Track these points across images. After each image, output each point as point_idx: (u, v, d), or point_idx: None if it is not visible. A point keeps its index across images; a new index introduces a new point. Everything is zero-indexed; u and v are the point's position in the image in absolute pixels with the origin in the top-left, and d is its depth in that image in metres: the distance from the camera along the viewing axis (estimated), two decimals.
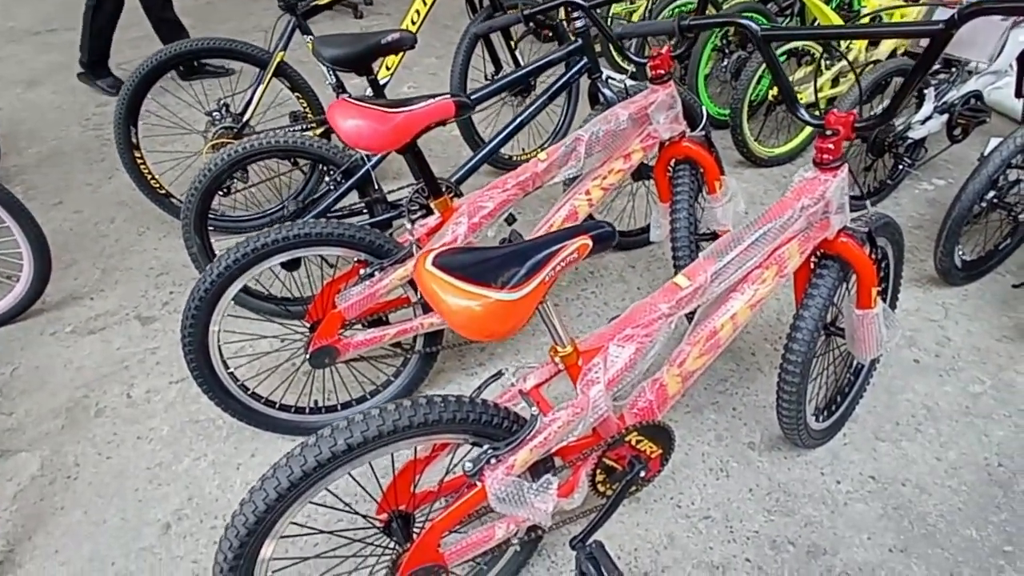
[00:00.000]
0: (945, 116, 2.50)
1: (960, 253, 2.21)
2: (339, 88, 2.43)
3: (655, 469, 1.39)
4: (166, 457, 1.77)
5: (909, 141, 2.54)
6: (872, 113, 1.25)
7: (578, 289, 2.33)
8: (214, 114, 2.48)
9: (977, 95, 2.49)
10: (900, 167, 2.62)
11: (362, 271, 1.60)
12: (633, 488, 1.38)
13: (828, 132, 1.30)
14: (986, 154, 2.03)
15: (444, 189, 1.74)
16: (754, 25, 1.33)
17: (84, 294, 2.37)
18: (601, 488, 1.33)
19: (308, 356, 1.61)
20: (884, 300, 1.79)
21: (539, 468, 1.23)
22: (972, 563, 1.52)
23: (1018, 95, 2.62)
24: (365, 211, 2.06)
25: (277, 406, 1.72)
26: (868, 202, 1.52)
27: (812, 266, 1.51)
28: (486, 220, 1.60)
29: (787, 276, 1.38)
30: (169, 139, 3.02)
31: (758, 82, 2.81)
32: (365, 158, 1.99)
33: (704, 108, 1.97)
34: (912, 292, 2.30)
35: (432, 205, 1.66)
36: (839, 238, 1.43)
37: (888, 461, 1.75)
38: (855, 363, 1.81)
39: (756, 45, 1.36)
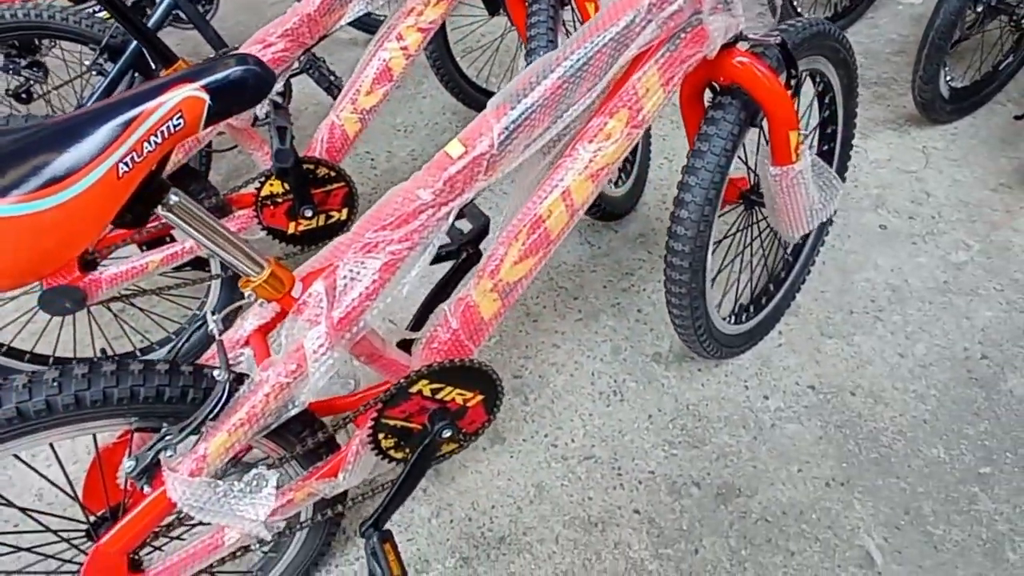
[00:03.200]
0: None
1: (947, 78, 1.69)
2: None
3: (479, 420, 0.99)
4: None
5: None
6: None
7: None
8: None
9: None
10: None
11: None
12: (453, 447, 1.00)
13: None
14: None
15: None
16: None
17: None
18: (394, 454, 0.95)
19: (39, 300, 1.20)
20: (831, 151, 1.32)
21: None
22: (935, 494, 1.15)
23: None
24: None
25: (26, 358, 1.34)
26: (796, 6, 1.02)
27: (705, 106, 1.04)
28: None
29: (646, 124, 0.91)
30: None
31: None
32: None
33: None
34: (884, 137, 1.80)
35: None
36: (733, 59, 0.95)
37: (835, 363, 1.35)
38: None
39: None
